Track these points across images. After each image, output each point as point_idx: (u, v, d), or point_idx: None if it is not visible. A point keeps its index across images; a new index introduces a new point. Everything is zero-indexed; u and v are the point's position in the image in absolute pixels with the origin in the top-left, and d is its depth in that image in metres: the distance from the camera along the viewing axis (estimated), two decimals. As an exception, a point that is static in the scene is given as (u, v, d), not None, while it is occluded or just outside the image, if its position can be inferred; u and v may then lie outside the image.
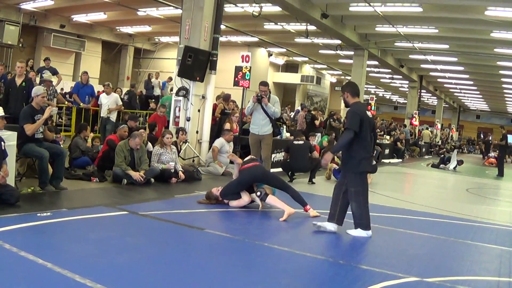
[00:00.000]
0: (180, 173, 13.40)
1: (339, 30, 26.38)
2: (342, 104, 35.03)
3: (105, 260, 6.32)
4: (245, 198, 10.54)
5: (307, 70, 44.94)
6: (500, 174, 27.83)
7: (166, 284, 5.75)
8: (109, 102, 17.40)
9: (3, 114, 9.07)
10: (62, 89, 20.30)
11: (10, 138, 9.51)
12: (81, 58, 34.10)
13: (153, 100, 24.76)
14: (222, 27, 28.08)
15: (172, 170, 13.25)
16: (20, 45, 29.22)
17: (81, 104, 18.62)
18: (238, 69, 17.12)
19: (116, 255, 6.57)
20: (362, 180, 9.03)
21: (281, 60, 42.69)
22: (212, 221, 9.68)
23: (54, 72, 19.90)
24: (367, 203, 9.07)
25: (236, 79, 17.02)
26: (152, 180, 12.63)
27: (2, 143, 8.89)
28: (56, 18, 31.02)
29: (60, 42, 31.91)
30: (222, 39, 32.34)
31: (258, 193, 10.38)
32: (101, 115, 17.70)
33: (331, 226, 9.07)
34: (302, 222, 9.88)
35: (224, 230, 9.04)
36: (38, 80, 17.74)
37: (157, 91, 26.39)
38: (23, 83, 12.01)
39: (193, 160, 16.21)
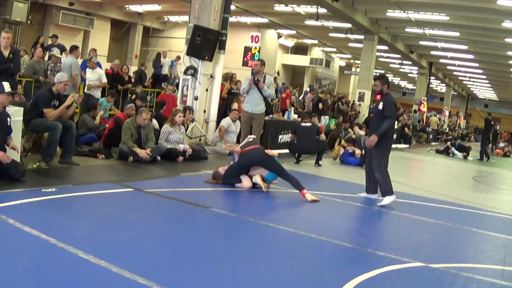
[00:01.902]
0: (189, 149, 13.40)
1: (349, 14, 26.13)
2: (351, 88, 35.01)
3: (109, 236, 6.30)
4: (245, 183, 10.52)
5: (317, 52, 44.67)
6: (481, 158, 28.55)
7: (170, 261, 5.72)
8: (91, 78, 16.63)
9: (9, 90, 9.00)
10: (70, 66, 20.16)
11: (16, 114, 9.47)
12: (89, 36, 33.77)
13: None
14: (232, 7, 28.17)
15: (181, 150, 13.21)
16: (29, 22, 29.01)
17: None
18: (247, 49, 17.09)
19: (120, 231, 6.54)
20: (387, 155, 10.89)
21: (290, 42, 42.42)
22: (217, 200, 9.66)
23: (63, 49, 19.81)
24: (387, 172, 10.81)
25: (245, 59, 17.02)
26: (159, 158, 12.54)
27: (8, 119, 8.87)
28: (64, -6, 30.77)
29: (68, 20, 31.56)
30: (232, 19, 32.07)
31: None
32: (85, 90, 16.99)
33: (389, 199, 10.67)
34: (309, 204, 9.81)
35: (230, 209, 9.05)
36: (46, 57, 17.71)
37: (165, 70, 26.30)
38: (10, 55, 11.79)
39: (200, 139, 16.13)
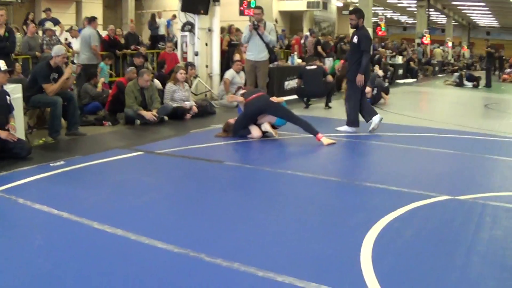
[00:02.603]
0: (194, 107, 13.07)
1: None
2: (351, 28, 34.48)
3: (123, 203, 6.10)
4: (254, 133, 10.26)
5: (312, -5, 44.18)
6: (488, 85, 28.33)
7: (188, 222, 5.55)
8: (77, 46, 16.12)
9: (6, 68, 8.75)
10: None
11: (15, 91, 9.22)
12: (82, 6, 33.28)
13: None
14: None
15: (188, 108, 12.94)
16: (19, 0, 28.62)
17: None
18: (242, -2, 16.70)
19: (133, 197, 6.32)
20: (360, 89, 11.31)
21: (285, -12, 41.89)
22: (230, 153, 9.44)
23: (56, 22, 19.66)
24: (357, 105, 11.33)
25: (241, 8, 16.60)
26: (166, 118, 12.28)
27: (7, 97, 8.63)
28: (52, -34, 30.21)
29: (58, -8, 31.16)
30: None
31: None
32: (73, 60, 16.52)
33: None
34: (325, 148, 9.57)
35: (244, 160, 8.84)
36: (40, 32, 17.39)
37: (161, 31, 25.93)
38: (6, 33, 11.52)
39: (206, 95, 15.85)
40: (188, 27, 15.94)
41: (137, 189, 6.72)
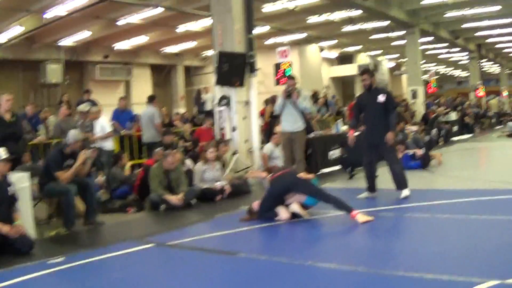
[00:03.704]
0: (226, 187, 12.36)
1: (384, 10, 25.05)
2: (404, 88, 33.34)
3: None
4: (282, 215, 9.26)
5: (363, 59, 43.54)
6: None
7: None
8: (96, 129, 15.27)
9: (6, 156, 8.19)
10: (153, 115, 19.50)
11: (22, 180, 8.87)
12: (131, 86, 33.40)
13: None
14: (266, 28, 27.68)
15: (219, 189, 12.22)
16: (67, 82, 28.67)
17: (122, 131, 17.71)
18: (277, 66, 16.05)
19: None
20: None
21: (334, 53, 41.38)
22: (248, 241, 8.47)
23: (94, 104, 19.14)
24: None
25: (277, 77, 15.93)
26: (193, 201, 11.61)
27: (9, 188, 8.13)
28: (98, 49, 30.34)
29: (106, 73, 31.19)
30: (269, 41, 31.55)
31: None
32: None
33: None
34: (361, 227, 8.52)
35: (260, 250, 7.85)
36: (95, 109, 16.96)
37: (208, 106, 25.44)
38: (13, 118, 11.08)
39: (246, 172, 15.06)
40: (225, 101, 15.28)
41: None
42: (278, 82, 15.93)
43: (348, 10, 25.20)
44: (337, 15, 26.88)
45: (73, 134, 10.22)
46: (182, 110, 31.68)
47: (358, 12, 25.49)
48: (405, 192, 10.59)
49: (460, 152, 20.82)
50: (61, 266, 7.08)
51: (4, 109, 10.96)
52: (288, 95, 12.64)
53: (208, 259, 7.32)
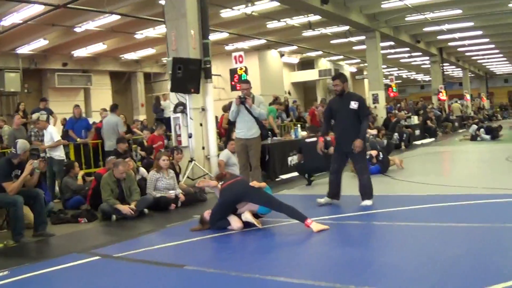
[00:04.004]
0: (181, 196, 12.12)
1: (344, 15, 25.03)
2: (366, 92, 33.29)
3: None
4: (234, 224, 8.95)
5: (324, 64, 43.54)
6: None
7: None
8: (46, 138, 14.86)
9: None
10: (116, 124, 19.17)
11: None
12: (90, 93, 33.04)
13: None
14: (225, 34, 27.48)
15: (173, 197, 11.94)
16: (25, 90, 28.34)
17: (78, 139, 17.40)
18: (233, 71, 15.79)
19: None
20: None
21: (295, 59, 41.41)
22: (197, 252, 8.06)
23: (50, 113, 19.18)
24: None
25: (233, 83, 15.69)
26: (146, 210, 11.31)
27: None
28: (56, 57, 30.01)
29: (65, 81, 30.83)
30: (229, 47, 31.38)
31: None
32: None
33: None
34: (316, 236, 8.15)
35: (209, 263, 7.24)
36: (44, 117, 16.66)
37: (167, 113, 25.09)
38: None
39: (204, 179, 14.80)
40: (180, 108, 15.03)
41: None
42: (234, 88, 15.65)
43: (307, 15, 25.16)
44: (297, 20, 26.89)
45: (21, 144, 9.89)
46: (142, 117, 31.54)
47: (317, 17, 25.51)
48: (367, 202, 10.28)
49: (422, 156, 20.73)
50: (5, 280, 6.81)
51: None
52: (242, 101, 12.32)
53: (153, 272, 7.00)
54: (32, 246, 9.08)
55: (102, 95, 33.32)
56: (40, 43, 26.22)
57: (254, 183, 9.53)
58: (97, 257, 7.79)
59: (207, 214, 9.20)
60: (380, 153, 15.51)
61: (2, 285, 6.61)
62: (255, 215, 9.09)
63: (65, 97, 29.67)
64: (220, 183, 9.61)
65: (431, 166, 18.07)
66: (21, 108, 19.86)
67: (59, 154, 14.54)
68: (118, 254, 7.86)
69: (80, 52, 30.24)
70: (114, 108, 17.43)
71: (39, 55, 28.69)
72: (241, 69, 15.79)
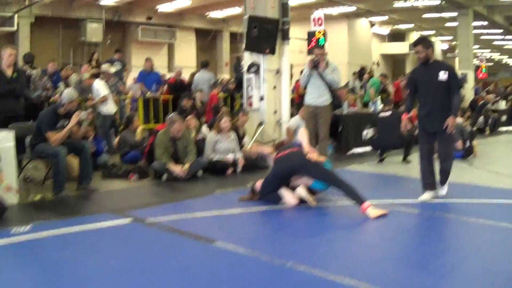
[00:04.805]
0: (240, 160, 11.48)
1: (436, -13, 23.83)
2: (458, 72, 32.02)
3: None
4: (288, 200, 8.17)
5: (415, 37, 42.27)
6: None
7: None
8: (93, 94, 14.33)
9: None
10: (209, 80, 19.04)
11: (6, 139, 8.41)
12: (174, 49, 32.81)
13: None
14: None
15: (231, 161, 11.35)
16: (108, 42, 28.23)
17: (148, 93, 17.03)
18: (311, 35, 14.99)
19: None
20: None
21: (385, 30, 40.27)
22: (235, 226, 7.30)
23: (124, 64, 19.08)
24: None
25: (310, 46, 14.89)
26: (200, 173, 10.74)
27: None
28: (141, 10, 29.67)
29: (149, 35, 30.63)
30: (318, 12, 30.52)
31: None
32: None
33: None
34: (371, 223, 7.29)
35: (241, 241, 6.39)
36: (112, 70, 16.24)
37: (248, 74, 24.72)
38: (15, 74, 10.41)
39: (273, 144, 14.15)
40: (254, 68, 14.42)
41: (73, 275, 5.23)
42: (311, 52, 14.88)
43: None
44: (388, -11, 25.87)
45: (68, 93, 9.44)
46: (227, 76, 31.07)
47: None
48: (444, 191, 8.95)
49: (506, 144, 19.47)
50: (22, 236, 6.38)
51: (6, 64, 10.40)
52: (314, 65, 11.52)
53: (179, 244, 6.37)
54: (69, 201, 8.68)
55: (186, 51, 33.15)
56: (121, -6, 25.83)
57: (312, 156, 8.39)
58: (129, 219, 7.26)
59: (259, 183, 8.50)
60: (467, 141, 14.35)
61: (15, 242, 6.23)
62: (310, 191, 8.29)
63: (148, 51, 28.91)
64: (275, 152, 8.88)
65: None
66: (95, 57, 19.49)
67: (106, 108, 14.00)
68: (151, 219, 7.29)
69: (166, 7, 29.80)
70: (205, 64, 18.78)
71: (123, 7, 28.37)
72: (319, 32, 14.95)
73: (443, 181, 8.97)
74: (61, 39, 27.85)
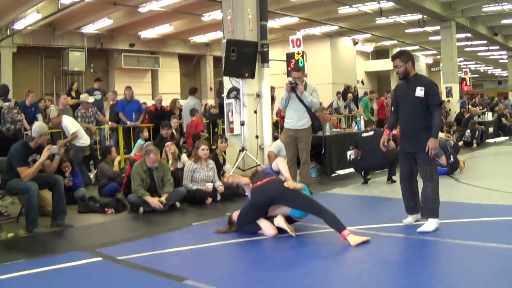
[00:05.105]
0: (220, 188, 11.22)
1: (418, 2, 23.94)
2: (442, 86, 31.90)
3: None
4: (266, 231, 7.84)
5: (399, 53, 42.49)
6: None
7: None
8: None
9: None
10: (194, 106, 18.86)
11: None
12: (158, 75, 32.84)
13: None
14: (295, 19, 26.65)
15: (210, 190, 11.08)
16: (92, 70, 28.29)
17: (128, 122, 16.80)
18: (289, 56, 14.83)
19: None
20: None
21: (369, 47, 40.40)
22: (208, 262, 6.90)
23: (105, 93, 19.10)
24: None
25: (289, 68, 14.72)
26: (178, 204, 10.42)
27: None
28: (123, 37, 29.84)
29: (132, 62, 30.69)
30: (300, 33, 30.45)
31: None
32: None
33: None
34: (349, 250, 6.97)
35: (214, 278, 6.03)
36: (91, 99, 16.06)
37: (231, 99, 24.58)
38: None
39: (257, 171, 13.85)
40: (234, 93, 14.22)
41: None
42: (290, 75, 14.70)
43: (378, 1, 24.22)
44: (369, 6, 25.98)
45: (38, 126, 9.24)
46: (210, 101, 30.93)
47: (390, 4, 24.64)
48: (427, 227, 7.87)
49: (494, 156, 19.20)
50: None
51: None
52: (292, 88, 11.30)
53: (147, 283, 6.06)
54: (41, 238, 8.41)
55: (170, 77, 33.27)
56: (105, 23, 25.86)
57: (289, 184, 8.04)
58: (99, 258, 6.98)
59: (235, 215, 8.20)
60: (451, 155, 14.10)
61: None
62: (289, 219, 8.02)
63: (132, 78, 29.40)
64: (252, 182, 8.50)
65: (503, 168, 16.01)
66: (74, 88, 19.36)
67: (82, 141, 13.63)
68: (122, 257, 6.99)
69: (148, 33, 29.96)
70: (193, 91, 18.96)
71: (105, 35, 28.53)
72: (298, 53, 14.74)
73: (424, 213, 8.13)
74: (43, 68, 27.90)
